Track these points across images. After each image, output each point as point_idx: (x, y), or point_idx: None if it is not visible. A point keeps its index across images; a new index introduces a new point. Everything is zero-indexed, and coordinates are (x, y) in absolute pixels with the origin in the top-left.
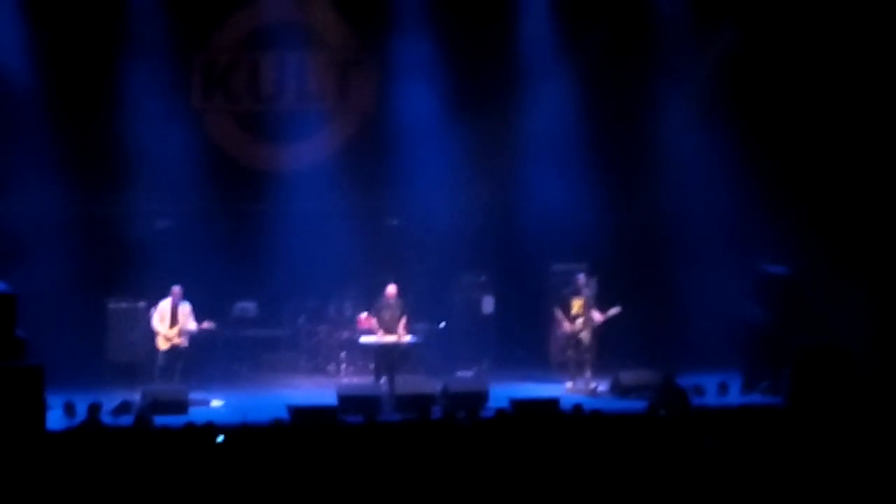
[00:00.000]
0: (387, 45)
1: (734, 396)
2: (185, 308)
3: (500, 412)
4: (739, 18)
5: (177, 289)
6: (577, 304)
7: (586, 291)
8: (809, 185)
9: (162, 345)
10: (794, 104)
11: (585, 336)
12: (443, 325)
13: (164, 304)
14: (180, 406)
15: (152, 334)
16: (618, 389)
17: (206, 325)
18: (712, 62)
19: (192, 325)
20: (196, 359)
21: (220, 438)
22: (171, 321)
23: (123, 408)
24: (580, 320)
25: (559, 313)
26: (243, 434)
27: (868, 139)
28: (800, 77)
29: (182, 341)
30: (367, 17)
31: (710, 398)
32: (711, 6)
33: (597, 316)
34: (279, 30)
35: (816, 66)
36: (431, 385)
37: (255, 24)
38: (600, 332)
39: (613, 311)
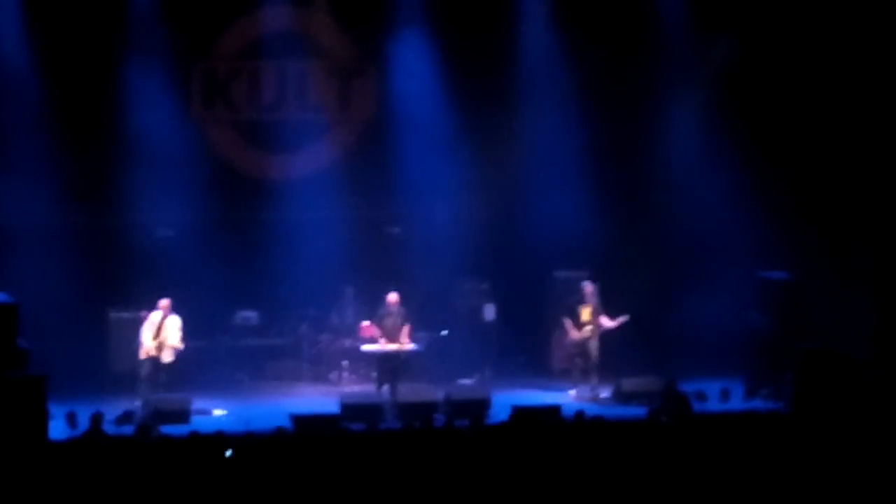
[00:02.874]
0: (387, 53)
1: (736, 402)
2: (174, 323)
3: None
4: (739, 28)
5: (164, 302)
6: (585, 312)
7: (593, 299)
8: (810, 191)
9: (142, 354)
10: (794, 111)
11: (594, 344)
12: (445, 332)
13: (155, 315)
14: (183, 415)
15: (129, 348)
16: (619, 396)
17: (179, 345)
18: (712, 70)
19: (174, 341)
20: (184, 373)
21: (229, 453)
22: (154, 333)
23: (126, 417)
24: (589, 328)
25: (567, 322)
26: (246, 443)
27: (868, 145)
28: (801, 85)
29: (163, 355)
30: (367, 26)
31: (712, 404)
32: (710, 16)
33: (607, 323)
34: (279, 39)
35: (817, 73)
36: (433, 393)
37: (255, 33)
38: (603, 339)
39: (623, 318)
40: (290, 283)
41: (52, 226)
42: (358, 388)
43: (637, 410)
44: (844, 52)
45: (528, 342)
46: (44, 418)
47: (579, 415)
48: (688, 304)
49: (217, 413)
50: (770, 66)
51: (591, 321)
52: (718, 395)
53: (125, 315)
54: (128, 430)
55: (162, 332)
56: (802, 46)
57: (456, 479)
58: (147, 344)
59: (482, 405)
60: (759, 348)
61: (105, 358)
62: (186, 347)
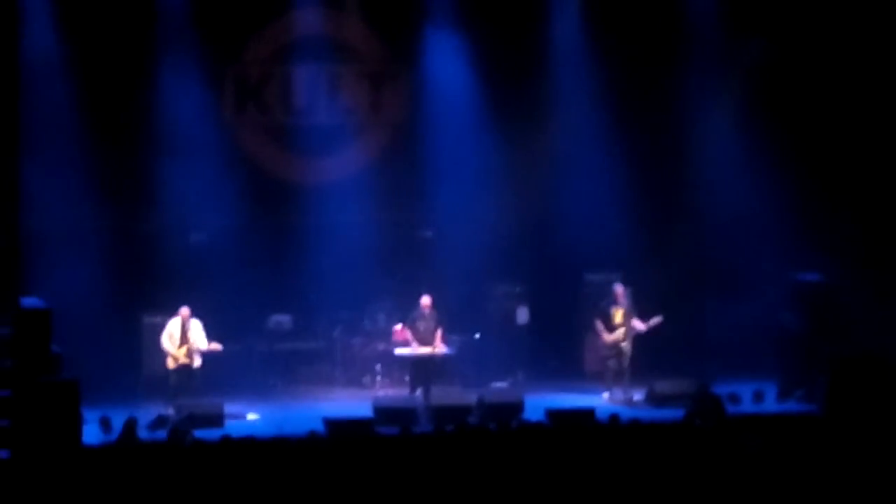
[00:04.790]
0: (418, 57)
1: (770, 404)
2: (196, 327)
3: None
4: (771, 28)
5: (185, 310)
6: (618, 314)
7: (625, 301)
8: (844, 193)
9: (170, 364)
10: (828, 112)
11: (626, 346)
12: (478, 336)
13: (174, 324)
14: (216, 420)
15: (163, 354)
16: (653, 398)
17: (214, 346)
18: (745, 71)
19: (202, 345)
20: (217, 378)
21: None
22: (180, 341)
23: (160, 422)
24: (622, 330)
25: (599, 325)
26: (279, 447)
27: None
28: (835, 85)
29: (192, 361)
30: (399, 30)
31: (746, 406)
32: (742, 16)
33: (639, 325)
34: (311, 43)
35: (852, 73)
36: (467, 396)
37: (287, 37)
38: (636, 341)
39: (656, 320)
40: (323, 287)
41: (85, 230)
42: (391, 391)
43: (670, 413)
44: (879, 51)
45: (560, 345)
46: (77, 423)
47: (614, 418)
48: (721, 305)
49: (250, 417)
50: (804, 66)
51: (623, 323)
52: (752, 396)
53: (158, 319)
54: (161, 434)
55: (189, 339)
56: (836, 46)
57: (489, 483)
58: (174, 352)
59: (515, 408)
60: (793, 350)
61: (138, 362)
62: (219, 351)
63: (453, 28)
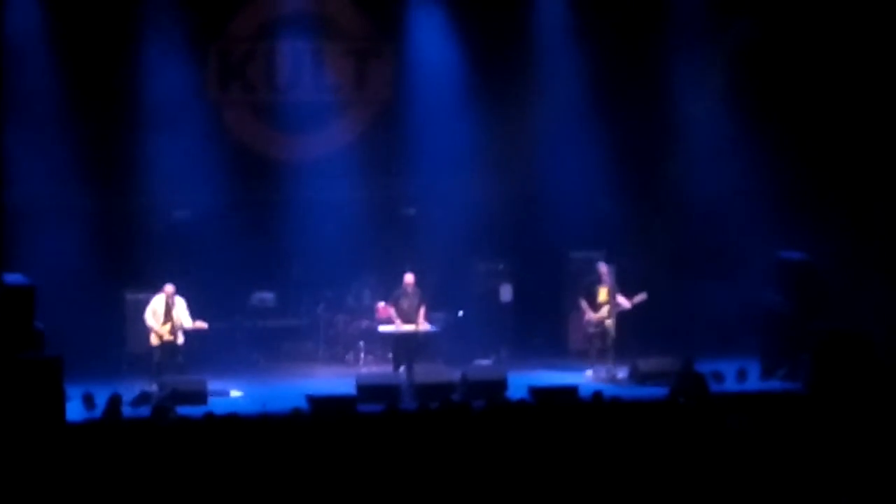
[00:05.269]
0: (403, 34)
1: (753, 383)
2: (180, 304)
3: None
4: (756, 7)
5: (170, 287)
6: (602, 292)
7: (609, 279)
8: (828, 171)
9: (154, 341)
10: (813, 90)
11: (611, 324)
12: (461, 313)
13: (157, 301)
14: (199, 396)
15: (146, 330)
16: (636, 376)
17: (199, 324)
18: (730, 47)
19: (187, 322)
20: (201, 355)
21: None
22: (164, 318)
23: (143, 399)
24: (606, 308)
25: (584, 303)
26: (263, 424)
27: (889, 125)
28: (820, 63)
29: (176, 337)
30: (384, 6)
31: (729, 384)
32: None
33: (624, 302)
34: (296, 19)
35: (836, 52)
36: (450, 374)
37: (270, 13)
38: (620, 319)
39: (640, 297)
40: (306, 265)
41: (67, 207)
42: (374, 369)
43: (654, 390)
44: (864, 30)
45: (544, 323)
46: (61, 400)
47: (597, 395)
48: (705, 284)
49: (234, 394)
50: (790, 45)
51: (608, 301)
52: (735, 375)
53: (141, 296)
54: (144, 411)
55: (174, 315)
56: (822, 25)
57: (473, 460)
58: (158, 329)
59: (499, 386)
60: (777, 328)
61: (122, 339)
62: (205, 329)
63: (438, 5)
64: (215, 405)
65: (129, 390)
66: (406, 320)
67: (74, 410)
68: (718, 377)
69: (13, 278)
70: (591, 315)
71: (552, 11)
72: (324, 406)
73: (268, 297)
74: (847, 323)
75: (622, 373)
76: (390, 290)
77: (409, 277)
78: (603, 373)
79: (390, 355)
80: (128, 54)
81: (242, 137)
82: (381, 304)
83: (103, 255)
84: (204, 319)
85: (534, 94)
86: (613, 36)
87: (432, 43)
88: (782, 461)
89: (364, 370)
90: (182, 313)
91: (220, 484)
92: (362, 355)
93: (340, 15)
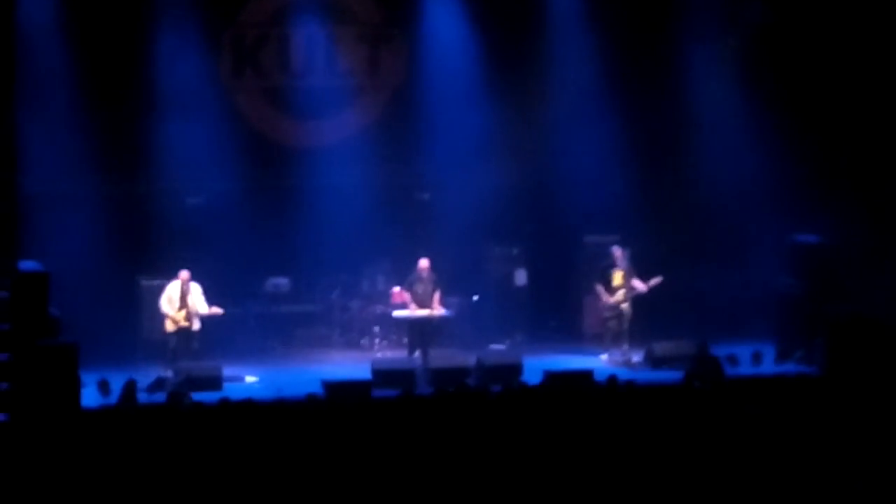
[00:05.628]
0: (416, 18)
1: (768, 366)
2: (196, 290)
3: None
4: None
5: (185, 273)
6: (618, 276)
7: (624, 263)
8: (843, 154)
9: (170, 327)
10: (828, 73)
11: (626, 308)
12: (476, 298)
13: (173, 287)
14: (215, 382)
15: (161, 317)
16: (651, 360)
17: (215, 310)
18: (744, 30)
19: (202, 308)
20: (216, 341)
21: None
22: (179, 304)
23: (158, 385)
24: (621, 292)
25: (599, 287)
26: (278, 410)
27: None
28: (835, 46)
29: (191, 324)
30: None
31: (744, 368)
32: None
33: (640, 285)
34: (309, 5)
35: (852, 34)
36: (465, 358)
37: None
38: (635, 303)
39: (655, 280)
40: (320, 250)
41: (82, 194)
42: (389, 354)
43: (669, 374)
44: (878, 13)
45: (559, 307)
46: (76, 386)
47: (612, 379)
48: (720, 267)
49: (249, 380)
50: (803, 28)
51: (623, 285)
52: (750, 358)
53: (156, 283)
54: (160, 397)
55: (189, 302)
56: (835, 7)
57: (488, 444)
58: (174, 315)
59: (514, 370)
60: (791, 312)
61: (137, 326)
62: (220, 315)
63: None
64: (230, 391)
65: (145, 376)
66: (421, 305)
67: (90, 397)
68: (733, 361)
69: (29, 265)
70: (606, 299)
71: None
72: (339, 391)
73: (282, 282)
74: (862, 306)
75: (637, 357)
76: (405, 276)
77: (423, 262)
78: (618, 357)
79: (405, 340)
80: (142, 41)
81: (256, 123)
82: (396, 289)
83: (118, 242)
84: (219, 305)
85: (548, 79)
86: (627, 22)
87: (445, 28)
88: (798, 444)
89: (379, 355)
90: (198, 299)
91: (236, 469)
92: (377, 340)
93: (353, 0)
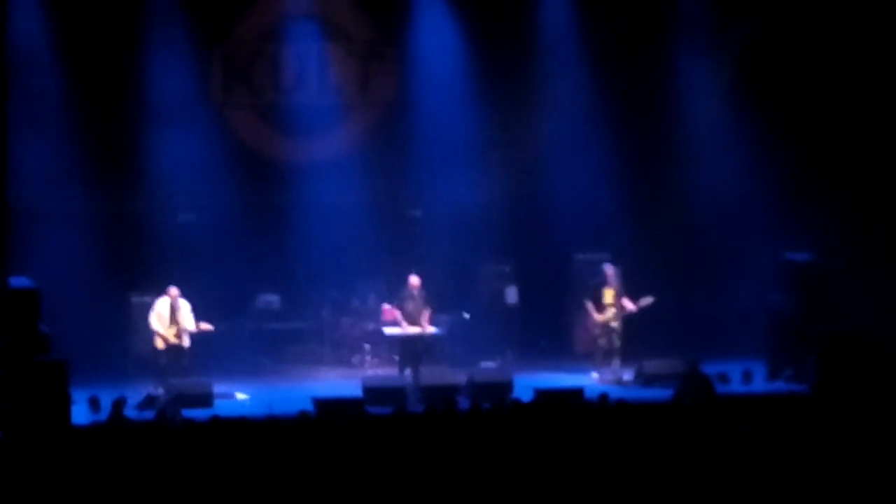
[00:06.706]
0: (407, 36)
1: (759, 384)
2: (184, 307)
3: (523, 402)
4: (761, 7)
5: (174, 290)
6: (608, 294)
7: (615, 281)
8: (834, 172)
9: (160, 344)
10: (819, 89)
11: (616, 326)
12: (467, 315)
13: (162, 303)
14: (205, 399)
15: (151, 334)
16: (642, 378)
17: (204, 326)
18: (735, 48)
19: (191, 325)
20: (206, 357)
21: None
22: (169, 321)
23: (148, 402)
24: (612, 310)
25: (590, 305)
26: (269, 427)
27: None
28: (825, 62)
29: (181, 340)
30: (388, 8)
31: (735, 386)
32: None
33: (630, 305)
34: (299, 22)
35: (841, 50)
36: (456, 376)
37: (275, 16)
38: (625, 321)
39: (646, 300)
40: (311, 267)
41: (72, 210)
42: (380, 371)
43: (660, 393)
44: (869, 30)
45: (550, 325)
46: (66, 403)
47: (603, 397)
48: (710, 285)
49: (239, 397)
50: (795, 44)
51: (613, 304)
52: (741, 376)
53: (147, 299)
54: (150, 414)
55: (179, 319)
56: (827, 24)
57: (479, 462)
58: (164, 332)
59: (505, 388)
60: (782, 330)
61: (127, 342)
62: (211, 331)
63: (442, 6)
64: (221, 408)
65: (135, 393)
66: (411, 322)
67: (80, 413)
68: (724, 379)
69: (19, 281)
70: (596, 317)
71: (557, 13)
72: (330, 408)
73: (273, 299)
74: (853, 324)
75: (628, 375)
76: (395, 292)
77: (414, 279)
78: (609, 375)
79: (396, 357)
80: (133, 57)
81: (247, 140)
82: (387, 307)
83: (109, 258)
84: (209, 322)
85: (538, 96)
86: (618, 38)
87: (436, 44)
88: (788, 463)
89: (370, 372)
90: (186, 316)
91: (227, 487)
92: (368, 357)
93: (345, 17)
